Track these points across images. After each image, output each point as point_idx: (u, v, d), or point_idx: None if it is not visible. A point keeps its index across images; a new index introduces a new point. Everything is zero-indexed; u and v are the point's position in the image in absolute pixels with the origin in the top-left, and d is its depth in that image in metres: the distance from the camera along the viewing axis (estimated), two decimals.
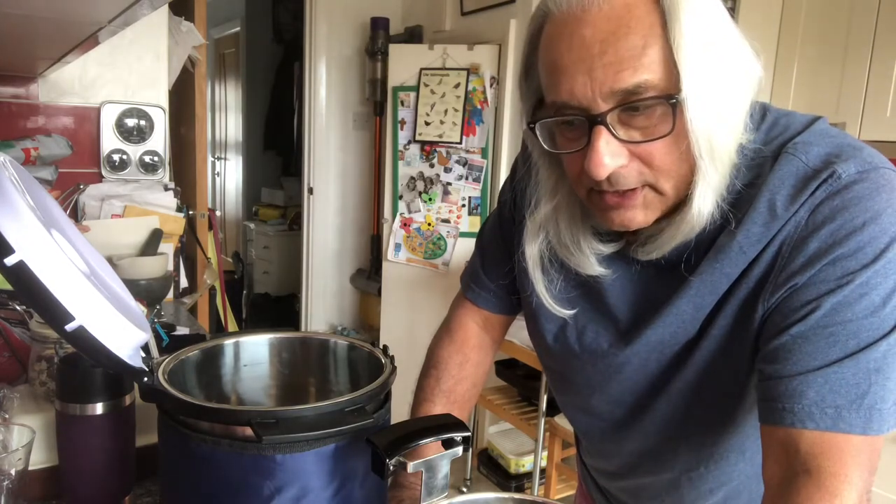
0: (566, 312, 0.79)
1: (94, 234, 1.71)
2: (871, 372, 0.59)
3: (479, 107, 2.87)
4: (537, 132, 0.68)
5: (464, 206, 2.97)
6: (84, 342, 0.57)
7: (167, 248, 1.83)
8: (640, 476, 0.86)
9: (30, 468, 0.78)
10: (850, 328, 0.59)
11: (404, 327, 3.14)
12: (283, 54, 5.10)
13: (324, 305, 3.82)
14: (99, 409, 0.78)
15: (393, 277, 3.20)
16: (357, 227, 3.81)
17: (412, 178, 3.05)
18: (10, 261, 0.53)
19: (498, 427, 2.93)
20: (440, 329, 0.97)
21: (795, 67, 2.14)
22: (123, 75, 1.90)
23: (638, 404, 0.79)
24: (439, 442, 0.64)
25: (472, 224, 2.95)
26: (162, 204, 1.87)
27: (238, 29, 5.35)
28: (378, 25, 3.31)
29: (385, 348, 0.79)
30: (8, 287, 0.93)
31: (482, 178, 2.91)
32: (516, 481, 2.70)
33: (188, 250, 2.20)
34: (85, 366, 0.77)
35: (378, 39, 3.29)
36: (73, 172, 1.82)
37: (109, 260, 1.52)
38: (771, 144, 0.66)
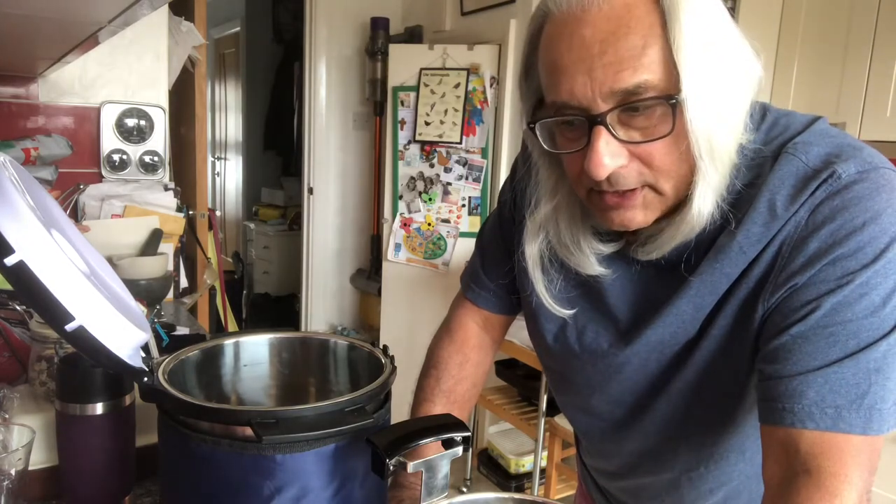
0: (566, 312, 0.79)
1: (94, 234, 1.71)
2: (871, 372, 0.59)
3: (479, 107, 2.87)
4: (537, 132, 0.68)
5: (464, 206, 2.97)
6: (84, 342, 0.57)
7: (167, 248, 1.83)
8: (640, 476, 0.86)
9: (30, 468, 0.78)
10: (850, 328, 0.59)
11: (404, 327, 3.14)
12: (283, 54, 5.10)
13: (324, 305, 3.82)
14: (99, 409, 0.78)
15: (393, 277, 3.20)
16: (357, 227, 3.81)
17: (412, 178, 3.05)
18: (10, 261, 0.53)
19: (498, 427, 2.93)
20: (440, 329, 0.97)
21: (795, 67, 2.14)
22: (123, 75, 1.90)
23: (638, 404, 0.79)
24: (439, 442, 0.64)
25: (472, 224, 2.95)
26: (162, 204, 1.87)
27: (238, 29, 5.35)
28: (378, 25, 3.31)
29: (385, 348, 0.79)
30: (8, 287, 0.93)
31: (482, 178, 2.91)
32: (516, 481, 2.70)
33: (188, 250, 2.20)
34: (85, 366, 0.77)
35: (378, 39, 3.29)
36: (73, 172, 1.82)
37: (109, 260, 1.52)
38: (771, 144, 0.66)
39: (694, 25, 0.59)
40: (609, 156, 0.62)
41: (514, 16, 2.76)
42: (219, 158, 5.93)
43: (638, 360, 0.75)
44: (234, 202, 5.84)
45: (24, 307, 1.08)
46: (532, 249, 0.77)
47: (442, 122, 2.92)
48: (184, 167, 2.44)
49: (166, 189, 1.91)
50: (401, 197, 3.09)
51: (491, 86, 2.84)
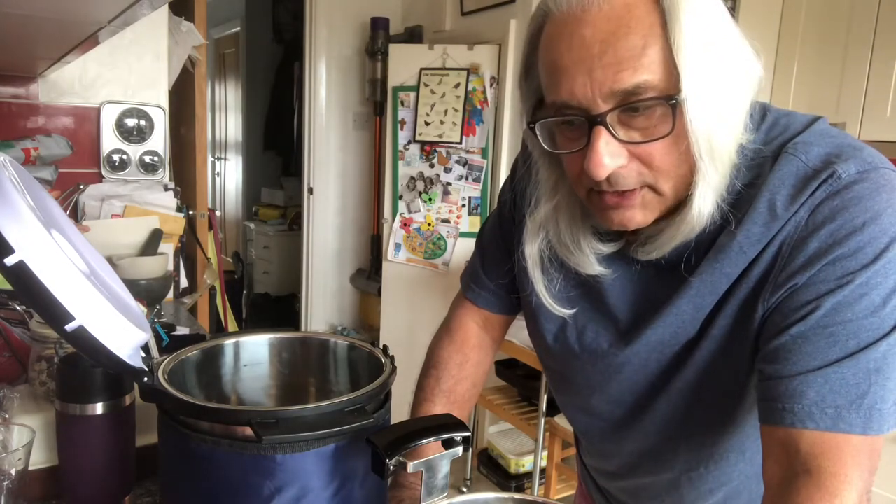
0: (566, 312, 0.79)
1: (94, 234, 1.71)
2: (871, 372, 0.59)
3: (479, 107, 2.87)
4: (537, 132, 0.68)
5: (464, 206, 2.97)
6: (84, 342, 0.57)
7: (167, 248, 1.83)
8: (640, 476, 0.86)
9: (30, 468, 0.78)
10: (850, 328, 0.59)
11: (404, 327, 3.14)
12: (283, 54, 5.10)
13: (324, 305, 3.82)
14: (99, 409, 0.78)
15: (393, 277, 3.20)
16: (357, 227, 3.81)
17: (412, 178, 3.05)
18: (10, 261, 0.53)
19: (498, 427, 2.93)
20: (440, 329, 0.97)
21: (795, 67, 2.14)
22: (123, 75, 1.90)
23: (638, 404, 0.79)
24: (439, 442, 0.64)
25: (472, 224, 2.95)
26: (162, 204, 1.87)
27: (238, 29, 5.35)
28: (378, 25, 3.31)
29: (385, 348, 0.79)
30: (8, 287, 0.93)
31: (482, 178, 2.91)
32: (516, 481, 2.70)
33: (188, 250, 2.20)
34: (85, 366, 0.77)
35: (378, 39, 3.29)
36: (73, 172, 1.82)
37: (109, 260, 1.52)
38: (771, 144, 0.66)
39: (694, 25, 0.59)
40: (609, 156, 0.62)
41: (514, 16, 2.76)
42: (219, 158, 5.93)
43: (638, 360, 0.75)
44: (234, 202, 5.84)
45: (24, 307, 1.08)
46: (532, 249, 0.77)
47: (442, 122, 2.92)
48: (184, 167, 2.44)
49: (166, 189, 1.91)
50: (401, 197, 3.09)
51: (491, 86, 2.84)
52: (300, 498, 0.62)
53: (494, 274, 0.91)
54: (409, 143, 3.03)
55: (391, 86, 3.06)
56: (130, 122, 1.89)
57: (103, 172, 1.87)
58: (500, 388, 2.79)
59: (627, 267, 0.75)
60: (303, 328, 3.80)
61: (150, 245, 1.78)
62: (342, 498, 0.65)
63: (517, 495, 0.68)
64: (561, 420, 2.38)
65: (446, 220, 3.00)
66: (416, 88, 2.97)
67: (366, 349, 0.82)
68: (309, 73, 3.57)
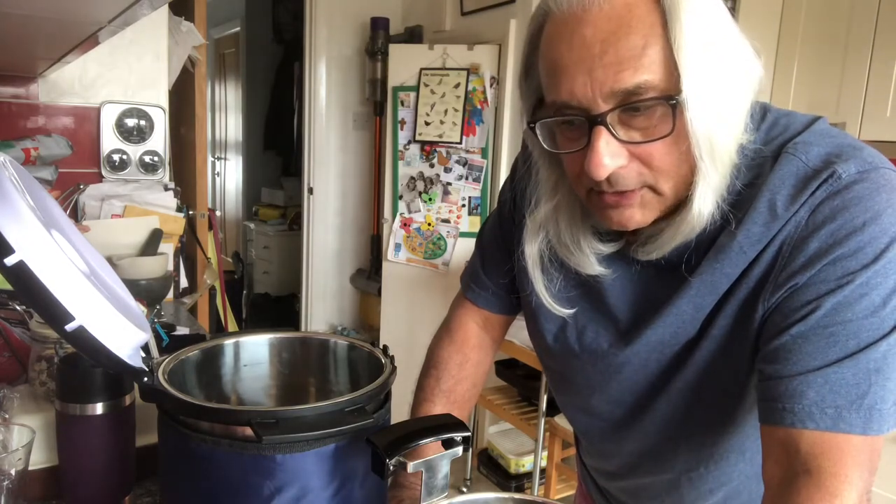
0: (566, 312, 0.79)
1: (94, 234, 1.71)
2: (871, 372, 0.59)
3: (479, 107, 2.87)
4: (537, 132, 0.68)
5: (464, 206, 2.97)
6: (84, 342, 0.57)
7: (167, 248, 1.83)
8: (640, 476, 0.86)
9: (30, 468, 0.77)
10: (850, 328, 0.59)
11: (404, 327, 3.14)
12: (283, 54, 5.10)
13: (324, 305, 3.82)
14: (99, 409, 0.78)
15: (393, 277, 3.20)
16: (357, 227, 3.81)
17: (412, 178, 3.05)
18: (10, 261, 0.53)
19: (498, 427, 2.93)
20: (440, 329, 0.97)
21: (795, 67, 2.14)
22: (123, 75, 1.90)
23: (638, 404, 0.79)
24: (439, 442, 0.64)
25: (472, 224, 2.95)
26: (162, 204, 1.87)
27: (238, 29, 5.35)
28: (378, 25, 3.31)
29: (385, 348, 0.79)
30: (8, 287, 0.93)
31: (482, 178, 2.91)
32: (516, 481, 2.70)
33: (188, 250, 2.20)
34: (85, 366, 0.77)
35: (378, 39, 3.29)
36: (73, 172, 1.82)
37: (109, 260, 1.52)
38: (771, 144, 0.66)
39: (694, 25, 0.58)
40: (609, 156, 0.62)
41: (514, 16, 2.76)
42: (219, 158, 5.93)
43: (638, 360, 0.75)
44: (234, 202, 5.84)
45: (24, 307, 1.08)
46: (532, 249, 0.77)
47: (442, 122, 2.92)
48: (184, 167, 2.44)
49: (166, 189, 1.91)
50: (401, 197, 3.09)
51: (491, 86, 2.84)
52: (300, 498, 0.62)
53: (494, 274, 0.91)
54: (409, 143, 3.03)
55: (391, 86, 3.06)
56: (130, 122, 1.89)
57: (103, 172, 1.87)
58: (500, 388, 2.79)
59: (627, 267, 0.75)
60: (303, 328, 3.80)
61: (150, 245, 1.78)
62: (342, 498, 0.65)
63: (517, 495, 0.68)
64: (561, 420, 2.38)
65: (446, 220, 3.00)
66: (416, 88, 2.97)
67: (366, 349, 0.82)
68: (309, 73, 3.57)
